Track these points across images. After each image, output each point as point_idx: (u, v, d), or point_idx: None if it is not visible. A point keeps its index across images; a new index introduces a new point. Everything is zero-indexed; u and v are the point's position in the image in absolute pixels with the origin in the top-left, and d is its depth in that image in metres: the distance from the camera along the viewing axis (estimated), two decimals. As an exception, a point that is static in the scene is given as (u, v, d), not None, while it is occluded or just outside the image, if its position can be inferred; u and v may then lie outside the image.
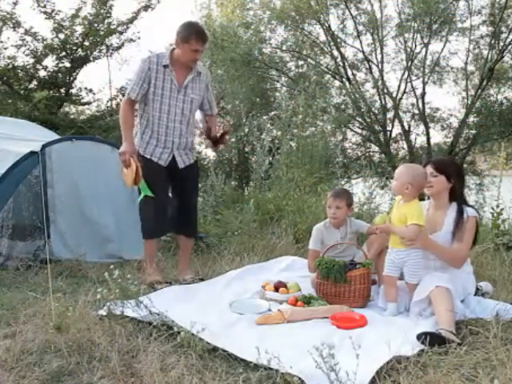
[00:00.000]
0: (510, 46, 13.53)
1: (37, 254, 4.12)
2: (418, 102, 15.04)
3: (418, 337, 2.37)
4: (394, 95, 14.96)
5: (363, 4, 14.67)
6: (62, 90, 9.19)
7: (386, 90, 14.86)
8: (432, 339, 2.34)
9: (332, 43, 15.06)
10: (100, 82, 31.26)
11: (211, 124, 3.74)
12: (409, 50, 14.45)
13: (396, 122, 15.20)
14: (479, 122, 14.39)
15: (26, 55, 8.62)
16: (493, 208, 4.64)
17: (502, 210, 4.58)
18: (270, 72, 15.59)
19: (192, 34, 3.33)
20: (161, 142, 3.59)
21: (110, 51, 9.31)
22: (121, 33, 9.14)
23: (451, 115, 15.39)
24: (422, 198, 3.27)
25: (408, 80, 14.82)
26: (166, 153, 3.63)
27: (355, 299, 3.12)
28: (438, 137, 17.07)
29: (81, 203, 4.46)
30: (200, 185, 5.18)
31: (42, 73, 8.89)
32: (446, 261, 2.93)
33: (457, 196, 3.07)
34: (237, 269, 3.86)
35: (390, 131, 15.21)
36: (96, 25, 8.70)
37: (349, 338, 2.18)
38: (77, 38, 8.65)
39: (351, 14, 14.58)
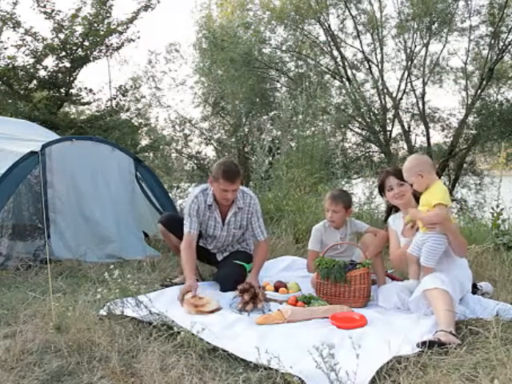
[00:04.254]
0: (509, 46, 13.53)
1: (37, 254, 4.13)
2: (417, 101, 15.06)
3: (418, 344, 2.36)
4: (394, 95, 14.97)
5: (363, 4, 14.69)
6: (62, 90, 9.16)
7: (385, 90, 14.86)
8: (431, 344, 2.33)
9: (332, 43, 15.06)
10: (100, 81, 31.28)
11: (256, 252, 3.68)
12: (408, 50, 14.47)
13: (396, 122, 15.21)
14: (479, 122, 14.38)
15: (26, 55, 8.58)
16: (493, 208, 4.63)
17: (502, 210, 4.57)
18: (269, 72, 15.59)
19: (219, 173, 3.41)
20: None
21: (110, 51, 9.30)
22: (121, 33, 9.12)
23: (451, 115, 15.41)
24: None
25: (408, 80, 14.83)
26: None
27: (355, 299, 3.12)
28: (437, 137, 17.09)
29: (81, 203, 4.46)
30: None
31: (42, 73, 8.86)
32: (455, 247, 2.92)
33: (416, 195, 3.16)
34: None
35: (390, 131, 15.22)
36: (96, 25, 8.67)
37: (349, 337, 2.18)
38: (77, 38, 8.62)
39: (351, 14, 14.59)
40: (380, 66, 14.71)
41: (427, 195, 2.90)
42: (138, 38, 9.39)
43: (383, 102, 14.98)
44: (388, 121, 15.21)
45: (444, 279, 2.71)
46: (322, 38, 15.32)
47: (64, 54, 8.68)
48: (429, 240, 2.88)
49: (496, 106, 14.23)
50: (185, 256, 3.42)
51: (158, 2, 9.17)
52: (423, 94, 14.76)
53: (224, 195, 3.46)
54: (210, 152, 17.33)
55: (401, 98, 15.05)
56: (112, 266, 3.11)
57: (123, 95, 10.11)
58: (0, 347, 2.36)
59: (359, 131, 15.64)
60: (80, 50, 8.73)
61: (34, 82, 8.95)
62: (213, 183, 3.49)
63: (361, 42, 14.93)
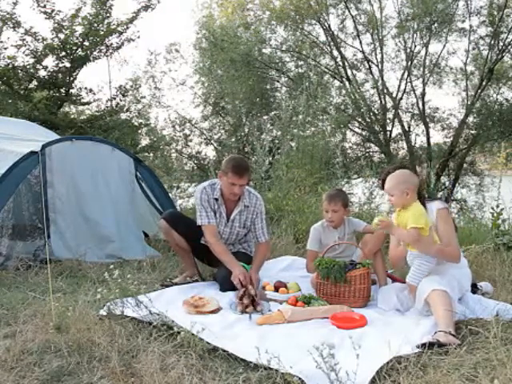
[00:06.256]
0: (509, 46, 13.54)
1: (37, 254, 4.13)
2: (417, 101, 15.06)
3: (418, 346, 2.35)
4: (394, 95, 14.97)
5: (363, 4, 14.69)
6: (62, 90, 9.16)
7: (385, 90, 14.87)
8: (431, 346, 2.33)
9: (332, 43, 15.07)
10: (100, 81, 31.24)
11: (255, 253, 3.70)
12: (408, 50, 14.47)
13: (396, 122, 15.21)
14: (479, 122, 14.39)
15: (26, 55, 8.58)
16: (493, 208, 4.64)
17: (502, 210, 4.57)
18: (269, 72, 15.59)
19: (229, 168, 3.45)
20: None
21: (110, 51, 9.30)
22: (121, 33, 9.12)
23: (451, 115, 15.42)
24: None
25: (408, 80, 14.83)
26: None
27: (355, 299, 3.12)
28: (437, 137, 17.09)
29: (81, 203, 4.46)
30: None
31: (42, 73, 8.86)
32: (444, 260, 2.92)
33: (420, 195, 3.05)
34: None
35: (390, 131, 15.23)
36: (96, 25, 8.67)
37: (349, 337, 2.17)
38: (77, 38, 8.62)
39: (351, 14, 14.60)
40: (380, 66, 14.72)
41: (407, 215, 2.85)
42: (138, 37, 9.40)
43: (383, 101, 14.99)
44: (388, 121, 15.22)
45: (440, 280, 2.71)
46: (322, 38, 15.35)
47: (64, 53, 8.68)
48: (416, 260, 2.87)
49: (496, 106, 14.24)
50: (218, 247, 3.50)
51: (158, 2, 9.17)
52: (423, 94, 14.77)
53: (231, 189, 3.49)
54: (210, 152, 17.32)
55: (401, 98, 15.06)
56: (112, 266, 3.11)
57: (123, 95, 10.12)
58: (0, 347, 2.36)
59: (359, 131, 15.64)
60: (80, 49, 8.73)
61: (34, 82, 8.95)
62: (222, 177, 3.53)
63: (361, 42, 14.95)
